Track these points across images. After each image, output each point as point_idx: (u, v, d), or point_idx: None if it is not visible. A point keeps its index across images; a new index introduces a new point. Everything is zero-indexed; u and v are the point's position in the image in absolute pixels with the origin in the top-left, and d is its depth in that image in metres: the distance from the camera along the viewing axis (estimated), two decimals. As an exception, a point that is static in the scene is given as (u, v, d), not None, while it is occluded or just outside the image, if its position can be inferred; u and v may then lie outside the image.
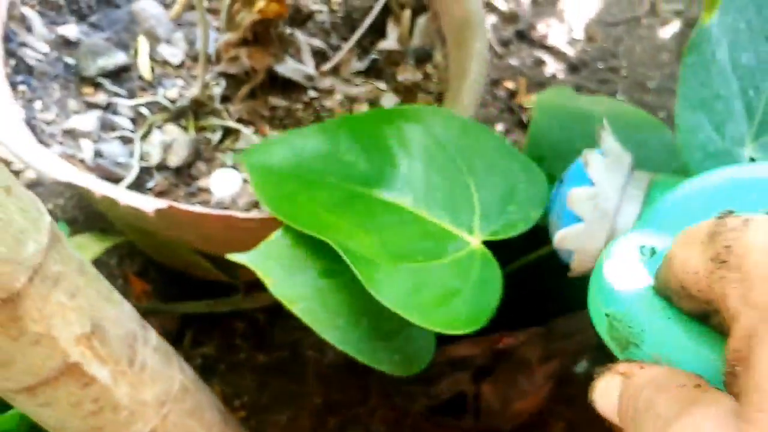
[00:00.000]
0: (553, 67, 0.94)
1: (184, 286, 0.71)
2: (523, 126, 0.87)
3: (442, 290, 0.40)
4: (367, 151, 0.44)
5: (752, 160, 0.41)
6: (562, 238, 0.40)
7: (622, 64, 0.95)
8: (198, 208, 0.45)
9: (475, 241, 0.42)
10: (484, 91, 0.56)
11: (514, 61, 0.93)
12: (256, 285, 0.68)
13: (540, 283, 0.57)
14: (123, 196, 0.44)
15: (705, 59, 0.39)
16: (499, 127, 0.87)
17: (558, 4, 0.99)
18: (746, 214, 0.22)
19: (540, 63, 0.94)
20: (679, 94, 0.39)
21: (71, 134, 0.52)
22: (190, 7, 0.57)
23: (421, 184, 0.43)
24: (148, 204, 0.44)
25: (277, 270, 0.41)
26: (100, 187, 0.45)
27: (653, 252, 0.30)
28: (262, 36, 0.50)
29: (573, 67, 0.94)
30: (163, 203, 0.44)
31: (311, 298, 0.41)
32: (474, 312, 0.40)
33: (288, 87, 0.56)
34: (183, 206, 0.45)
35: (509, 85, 0.90)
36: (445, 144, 0.43)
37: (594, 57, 0.95)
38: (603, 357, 0.71)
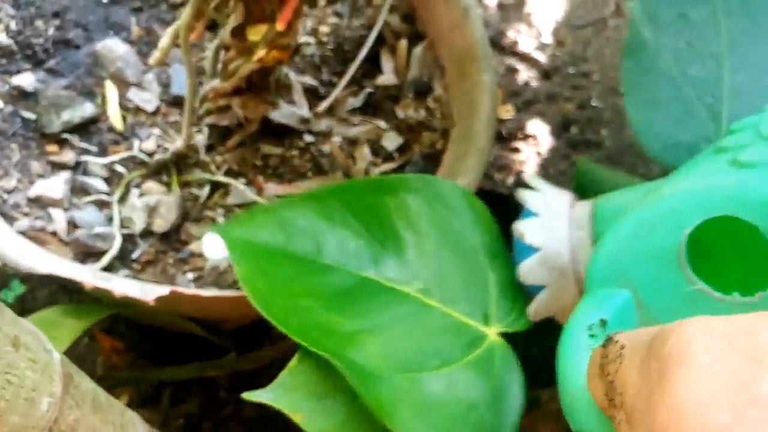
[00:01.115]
0: (525, 74, 0.91)
1: (158, 340, 0.65)
2: (503, 139, 0.84)
3: (457, 406, 0.35)
4: (367, 226, 0.38)
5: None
6: (535, 312, 0.37)
7: (593, 68, 0.93)
8: (206, 292, 0.40)
9: (492, 332, 0.38)
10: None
11: (486, 71, 0.89)
12: (247, 341, 0.63)
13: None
14: (118, 286, 0.38)
15: (644, 66, 0.40)
16: (478, 142, 0.83)
17: (524, 8, 0.95)
18: (624, 336, 0.21)
19: (513, 71, 0.90)
20: (626, 92, 0.41)
21: (38, 203, 0.45)
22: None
23: (432, 266, 0.38)
24: (147, 293, 0.38)
25: (305, 401, 0.35)
26: (90, 278, 0.38)
27: (604, 323, 0.28)
28: (259, 84, 0.45)
29: (545, 74, 0.91)
30: (164, 290, 0.39)
31: (347, 426, 0.36)
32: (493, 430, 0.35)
33: (281, 132, 0.51)
34: (188, 291, 0.39)
35: (484, 96, 0.87)
36: (455, 218, 0.39)
37: (565, 62, 0.93)
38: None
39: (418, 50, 0.55)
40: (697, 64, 0.41)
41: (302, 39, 0.54)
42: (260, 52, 0.41)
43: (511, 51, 0.92)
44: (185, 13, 0.40)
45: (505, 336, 0.38)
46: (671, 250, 0.29)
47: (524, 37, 0.93)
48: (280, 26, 0.39)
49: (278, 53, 0.42)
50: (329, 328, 0.36)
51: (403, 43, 0.55)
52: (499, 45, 0.91)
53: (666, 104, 0.40)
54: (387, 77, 0.54)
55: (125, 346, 0.67)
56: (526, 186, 0.40)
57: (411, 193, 0.39)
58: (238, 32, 0.41)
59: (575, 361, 0.27)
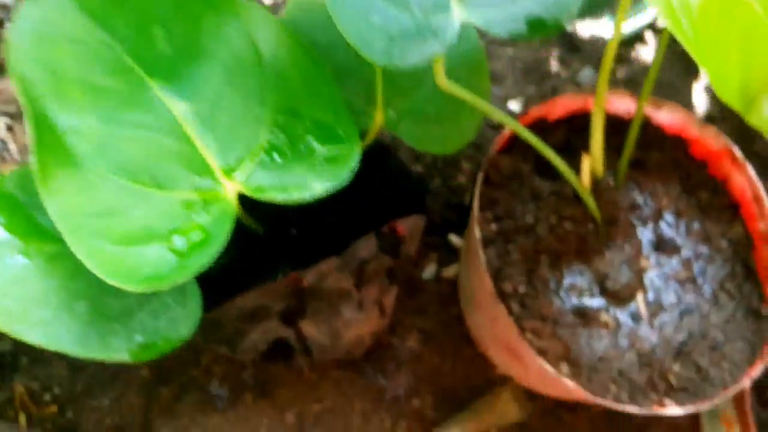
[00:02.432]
0: None
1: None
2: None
3: (144, 228, 0.31)
4: (175, 33, 0.34)
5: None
6: None
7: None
8: None
9: (230, 188, 0.34)
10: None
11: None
12: None
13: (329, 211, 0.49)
14: None
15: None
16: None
17: None
18: None
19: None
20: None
21: None
22: None
23: (210, 95, 0.34)
24: None
25: None
26: None
27: None
28: None
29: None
30: None
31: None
32: (169, 271, 0.31)
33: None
34: None
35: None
36: (262, 58, 0.35)
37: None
38: (450, 258, 0.63)
39: None
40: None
41: None
42: None
43: None
44: None
45: (243, 199, 0.35)
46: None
47: None
48: None
49: None
50: (73, 101, 0.32)
51: None
52: None
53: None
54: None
55: None
56: None
57: (232, 17, 0.35)
58: None
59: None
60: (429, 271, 0.66)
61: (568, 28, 0.79)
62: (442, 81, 0.36)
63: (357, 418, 0.62)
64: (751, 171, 0.47)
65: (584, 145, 0.50)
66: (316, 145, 0.36)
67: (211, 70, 0.35)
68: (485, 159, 0.48)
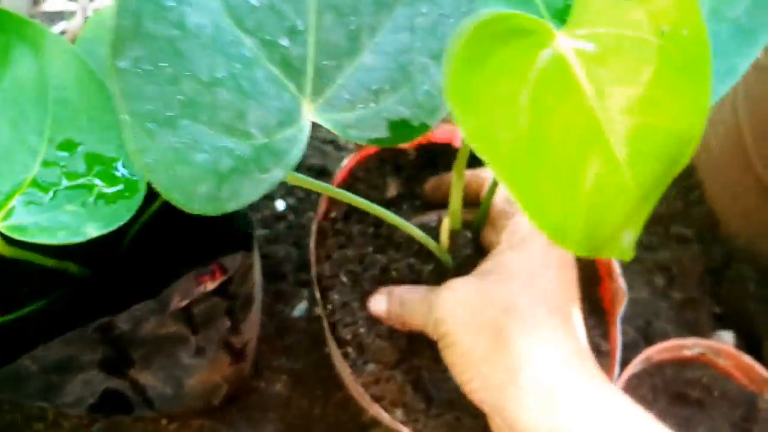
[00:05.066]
0: None
1: None
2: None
3: None
4: None
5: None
6: None
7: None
8: None
9: None
10: None
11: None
12: None
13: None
14: None
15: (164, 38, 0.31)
16: None
17: None
18: None
19: None
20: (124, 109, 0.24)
21: None
22: None
23: None
24: None
25: None
26: None
27: None
28: None
29: None
30: None
31: None
32: None
33: None
34: None
35: None
36: (49, 90, 0.32)
37: None
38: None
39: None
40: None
41: None
42: None
43: None
44: None
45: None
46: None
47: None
48: None
49: None
50: None
51: None
52: None
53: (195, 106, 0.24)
54: None
55: None
56: None
57: (22, 41, 0.33)
58: None
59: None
60: (299, 309, 0.63)
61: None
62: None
63: (221, 470, 0.58)
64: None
65: (424, 173, 0.48)
66: (97, 182, 0.33)
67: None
68: (321, 199, 0.46)
